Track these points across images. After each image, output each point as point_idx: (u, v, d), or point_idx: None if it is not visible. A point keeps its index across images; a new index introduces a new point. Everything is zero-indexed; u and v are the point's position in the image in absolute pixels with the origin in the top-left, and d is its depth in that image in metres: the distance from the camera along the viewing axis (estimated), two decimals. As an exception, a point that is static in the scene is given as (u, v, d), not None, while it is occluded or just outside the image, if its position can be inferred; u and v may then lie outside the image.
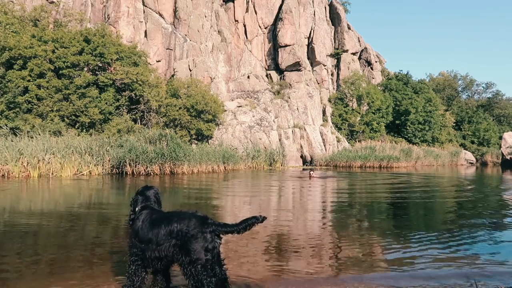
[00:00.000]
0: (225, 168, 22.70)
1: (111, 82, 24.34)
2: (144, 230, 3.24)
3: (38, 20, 26.26)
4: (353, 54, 44.18)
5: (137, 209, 3.52)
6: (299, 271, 4.22)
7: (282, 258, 4.71)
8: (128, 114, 25.18)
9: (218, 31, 35.59)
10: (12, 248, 5.02)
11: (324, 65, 40.95)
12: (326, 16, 43.89)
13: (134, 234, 3.30)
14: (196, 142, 26.93)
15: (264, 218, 3.18)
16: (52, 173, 15.91)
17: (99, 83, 24.04)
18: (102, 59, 24.37)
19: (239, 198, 10.85)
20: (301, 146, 33.44)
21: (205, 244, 3.03)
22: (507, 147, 38.44)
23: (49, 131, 19.90)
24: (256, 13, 38.37)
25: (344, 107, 39.76)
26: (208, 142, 27.90)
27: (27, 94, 22.23)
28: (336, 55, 42.95)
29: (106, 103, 23.84)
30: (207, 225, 3.09)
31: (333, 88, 42.23)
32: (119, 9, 30.12)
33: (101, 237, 5.78)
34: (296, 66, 36.86)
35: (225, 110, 30.68)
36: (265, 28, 38.89)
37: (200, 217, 3.15)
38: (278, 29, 37.47)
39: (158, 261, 3.17)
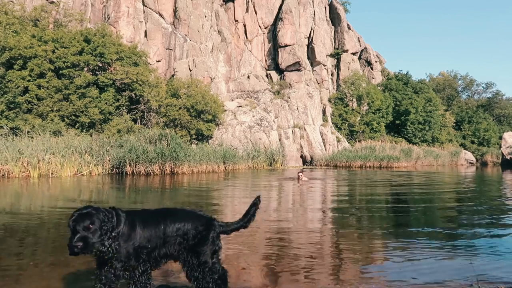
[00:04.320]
0: (225, 168, 22.69)
1: (111, 82, 24.34)
2: (146, 231, 3.01)
3: (38, 20, 26.25)
4: (353, 54, 44.17)
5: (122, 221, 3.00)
6: (299, 273, 4.22)
7: (282, 262, 4.70)
8: (128, 114, 25.17)
9: (218, 31, 35.59)
10: (12, 249, 5.02)
11: (324, 65, 40.95)
12: (326, 16, 43.89)
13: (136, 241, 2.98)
14: (196, 142, 26.92)
15: (258, 198, 3.23)
16: (52, 173, 15.91)
17: (99, 83, 24.03)
18: (102, 59, 24.36)
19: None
20: (301, 146, 33.44)
21: (213, 247, 3.04)
22: (507, 147, 38.42)
23: (49, 131, 19.89)
24: (256, 13, 38.36)
25: (344, 107, 39.75)
26: (208, 142, 27.90)
27: (27, 94, 22.22)
28: (336, 55, 42.94)
29: (106, 103, 23.83)
30: (214, 226, 3.10)
31: (333, 88, 42.22)
32: (119, 9, 30.11)
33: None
34: (296, 66, 36.85)
35: (225, 110, 30.68)
36: (265, 28, 38.88)
37: (208, 218, 3.15)
38: (278, 29, 37.47)
39: (165, 258, 3.09)
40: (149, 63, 28.78)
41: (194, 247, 3.01)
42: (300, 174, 15.90)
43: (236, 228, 3.18)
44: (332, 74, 42.52)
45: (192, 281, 3.02)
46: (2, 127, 19.58)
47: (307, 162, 32.92)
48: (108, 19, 30.21)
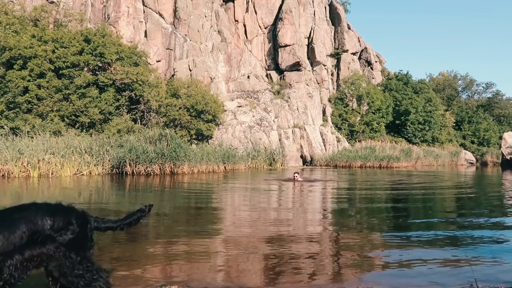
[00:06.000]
0: (225, 168, 22.68)
1: (111, 82, 24.33)
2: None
3: (38, 20, 26.24)
4: (353, 54, 44.14)
5: None
6: (298, 273, 4.22)
7: (282, 262, 4.70)
8: (128, 114, 25.17)
9: (218, 31, 35.57)
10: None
11: (324, 65, 40.92)
12: (326, 16, 43.87)
13: None
14: (196, 142, 26.92)
15: (150, 206, 3.24)
16: (52, 173, 15.91)
17: (99, 83, 24.03)
18: (102, 59, 24.35)
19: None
20: (301, 146, 33.43)
21: (90, 244, 2.92)
22: (507, 147, 38.39)
23: (49, 131, 19.90)
24: (256, 13, 38.35)
25: (344, 107, 39.74)
26: (208, 142, 27.90)
27: (27, 94, 22.22)
28: (336, 55, 42.92)
29: (106, 103, 23.83)
30: (90, 221, 2.99)
31: (333, 88, 42.20)
32: (119, 9, 30.10)
33: (99, 237, 5.77)
34: (296, 66, 36.84)
35: (225, 110, 30.67)
36: (265, 28, 38.86)
37: (81, 212, 2.99)
38: (278, 29, 37.46)
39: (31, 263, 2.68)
40: (149, 63, 28.76)
41: (70, 244, 2.71)
42: (295, 174, 15.04)
43: (111, 227, 3.05)
44: (332, 74, 42.50)
45: (68, 282, 2.74)
46: (2, 127, 19.58)
47: (307, 162, 32.92)
48: (108, 19, 30.20)
